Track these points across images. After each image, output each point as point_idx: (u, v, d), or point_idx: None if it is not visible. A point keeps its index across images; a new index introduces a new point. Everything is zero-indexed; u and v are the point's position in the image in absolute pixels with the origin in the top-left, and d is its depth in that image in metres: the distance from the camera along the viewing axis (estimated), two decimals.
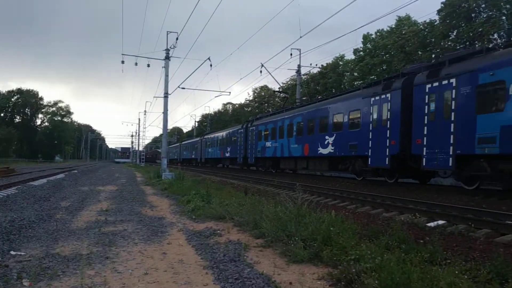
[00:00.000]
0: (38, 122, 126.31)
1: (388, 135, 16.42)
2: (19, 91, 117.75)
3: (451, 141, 13.46)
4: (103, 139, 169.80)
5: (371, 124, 17.53)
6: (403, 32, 41.47)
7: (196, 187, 16.37)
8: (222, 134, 43.69)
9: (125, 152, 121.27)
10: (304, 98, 48.79)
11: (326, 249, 5.83)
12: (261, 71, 33.33)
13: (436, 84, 14.30)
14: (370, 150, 17.41)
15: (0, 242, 6.71)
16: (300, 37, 38.69)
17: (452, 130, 13.49)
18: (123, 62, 29.80)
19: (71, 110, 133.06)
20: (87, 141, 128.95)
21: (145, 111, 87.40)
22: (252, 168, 36.66)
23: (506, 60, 11.93)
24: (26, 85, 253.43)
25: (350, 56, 53.80)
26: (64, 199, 14.16)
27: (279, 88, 42.84)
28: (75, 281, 4.91)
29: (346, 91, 23.92)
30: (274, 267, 5.54)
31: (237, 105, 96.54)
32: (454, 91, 13.50)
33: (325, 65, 55.09)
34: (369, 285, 4.26)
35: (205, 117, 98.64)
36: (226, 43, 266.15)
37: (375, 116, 17.33)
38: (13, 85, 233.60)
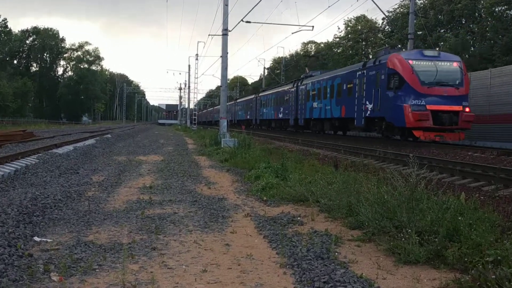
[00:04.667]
0: (60, 71, 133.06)
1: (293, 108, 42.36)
2: (35, 31, 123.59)
3: (298, 112, 43.15)
4: (142, 94, 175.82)
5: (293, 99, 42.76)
6: None
7: (267, 158, 16.57)
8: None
9: (171, 110, 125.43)
10: (420, 32, 47.10)
11: (451, 247, 5.73)
12: None
13: (301, 87, 42.96)
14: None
15: (22, 226, 7.27)
16: None
17: (298, 107, 43.34)
18: None
19: (101, 55, 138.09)
20: (122, 95, 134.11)
21: (196, 54, 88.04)
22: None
23: (306, 83, 42.01)
24: (42, 22, 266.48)
25: None
26: (96, 172, 15.01)
27: (383, 18, 41.65)
28: (114, 277, 5.22)
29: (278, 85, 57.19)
30: (377, 269, 5.55)
31: (322, 45, 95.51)
32: (303, 91, 41.72)
33: None
34: None
35: (277, 62, 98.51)
36: None
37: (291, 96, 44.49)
38: (26, 22, 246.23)
